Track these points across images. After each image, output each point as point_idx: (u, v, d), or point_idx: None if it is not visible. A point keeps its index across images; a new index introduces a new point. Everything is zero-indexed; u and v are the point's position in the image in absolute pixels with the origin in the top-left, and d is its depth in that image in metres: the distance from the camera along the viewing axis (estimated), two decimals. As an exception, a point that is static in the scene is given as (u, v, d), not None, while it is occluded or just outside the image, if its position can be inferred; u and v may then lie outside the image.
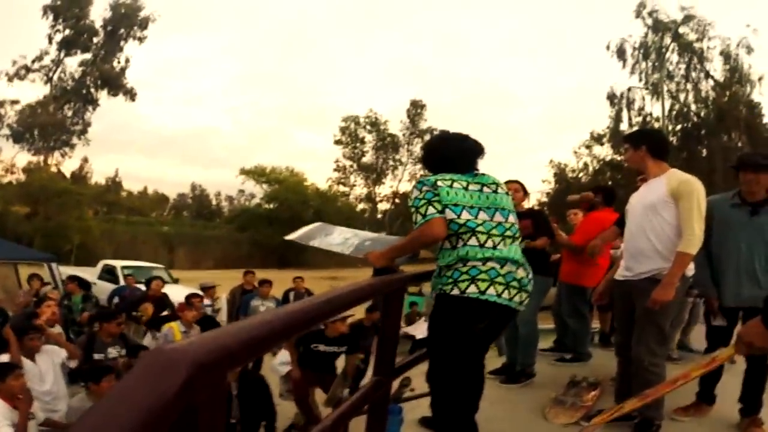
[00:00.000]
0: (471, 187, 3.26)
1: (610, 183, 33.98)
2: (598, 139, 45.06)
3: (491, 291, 3.02)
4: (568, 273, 6.21)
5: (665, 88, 37.02)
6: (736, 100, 38.49)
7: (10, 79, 44.03)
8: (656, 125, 37.48)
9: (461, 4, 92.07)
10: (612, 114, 42.22)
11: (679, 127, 42.07)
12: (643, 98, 41.35)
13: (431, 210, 3.12)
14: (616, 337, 4.82)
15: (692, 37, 39.42)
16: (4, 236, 22.51)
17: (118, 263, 20.67)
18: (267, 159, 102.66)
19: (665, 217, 3.93)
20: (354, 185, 57.32)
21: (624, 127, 41.33)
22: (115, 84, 46.34)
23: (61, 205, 39.27)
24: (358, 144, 55.98)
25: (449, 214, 3.11)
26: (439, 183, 3.19)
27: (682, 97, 41.21)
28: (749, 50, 38.31)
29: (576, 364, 5.97)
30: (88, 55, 45.57)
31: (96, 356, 6.73)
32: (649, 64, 40.40)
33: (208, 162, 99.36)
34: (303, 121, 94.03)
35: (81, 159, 52.82)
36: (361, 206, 57.42)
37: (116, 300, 11.96)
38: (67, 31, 44.15)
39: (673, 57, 40.31)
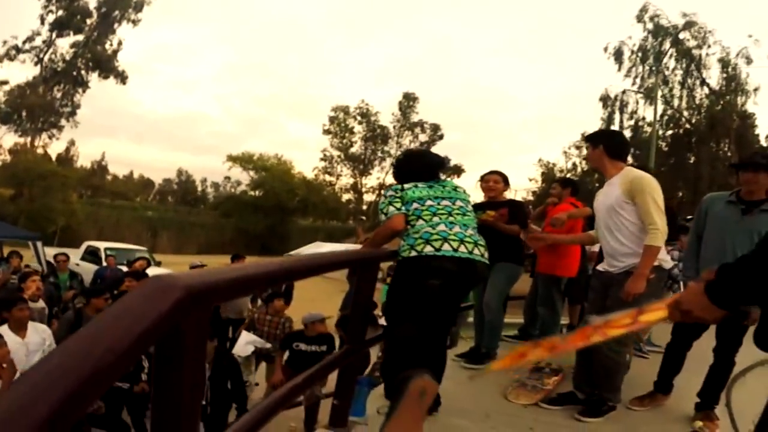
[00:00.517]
0: (433, 187, 3.87)
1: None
2: (589, 141, 45.02)
3: (446, 247, 3.44)
4: (545, 264, 6.40)
5: (659, 93, 37.10)
6: (729, 108, 38.48)
7: (0, 60, 43.66)
8: (648, 129, 37.70)
9: (457, 4, 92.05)
10: (604, 116, 42.32)
11: (670, 132, 42.18)
12: (637, 102, 41.35)
13: (391, 209, 3.72)
14: (583, 321, 4.93)
15: (692, 43, 39.37)
16: (-12, 217, 22.49)
17: (101, 245, 20.78)
18: (256, 147, 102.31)
19: (626, 217, 4.07)
20: (340, 175, 57.46)
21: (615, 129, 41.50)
22: (106, 67, 45.89)
23: (46, 188, 39.08)
24: (346, 134, 55.98)
25: (411, 207, 3.70)
26: (406, 186, 3.84)
27: (676, 102, 41.28)
28: (749, 61, 37.97)
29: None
30: (80, 37, 44.98)
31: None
32: (646, 68, 40.51)
33: (196, 148, 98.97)
34: (294, 111, 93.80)
35: (68, 142, 52.76)
36: (346, 197, 57.50)
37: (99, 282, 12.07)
38: (60, 12, 43.59)
39: (670, 62, 40.41)
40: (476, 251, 3.52)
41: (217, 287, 1.28)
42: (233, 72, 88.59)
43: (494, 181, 5.87)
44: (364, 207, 56.58)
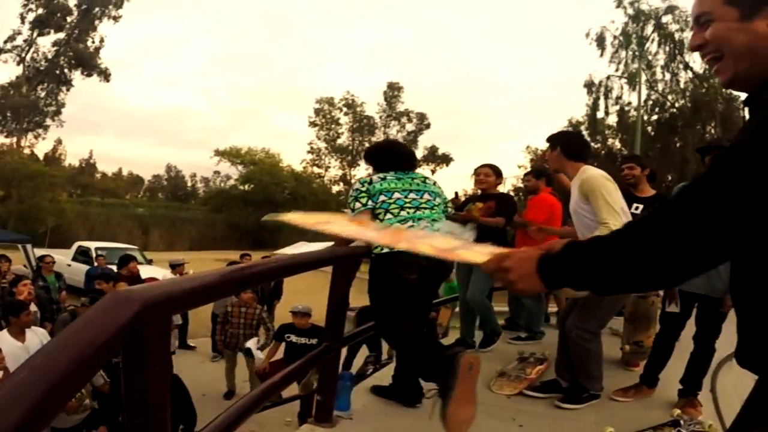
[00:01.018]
0: (402, 179, 3.96)
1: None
2: (576, 126, 45.22)
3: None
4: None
5: (644, 78, 37.09)
6: (713, 92, 38.49)
7: (-18, 61, 43.34)
8: (633, 114, 37.72)
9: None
10: (589, 102, 42.32)
11: (655, 117, 42.15)
12: (622, 87, 41.23)
13: (357, 205, 3.82)
14: (561, 312, 5.04)
15: (674, 27, 39.19)
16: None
17: (92, 245, 20.76)
18: (244, 140, 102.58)
19: (588, 216, 4.11)
20: (329, 167, 57.41)
21: (600, 115, 41.46)
22: (89, 64, 45.48)
23: (34, 188, 38.84)
24: (333, 126, 55.90)
25: (379, 200, 3.79)
26: (374, 178, 3.92)
27: (660, 87, 41.24)
28: (732, 43, 38.08)
29: (530, 342, 6.27)
30: (61, 35, 44.48)
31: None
32: (629, 53, 40.50)
33: (184, 143, 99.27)
34: (280, 103, 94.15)
35: (54, 141, 52.49)
36: (336, 188, 57.49)
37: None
38: (40, 11, 43.10)
39: (653, 47, 40.38)
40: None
41: (172, 298, 1.36)
42: (218, 65, 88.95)
43: (485, 174, 5.96)
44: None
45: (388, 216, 3.71)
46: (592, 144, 39.77)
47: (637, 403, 4.40)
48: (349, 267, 3.61)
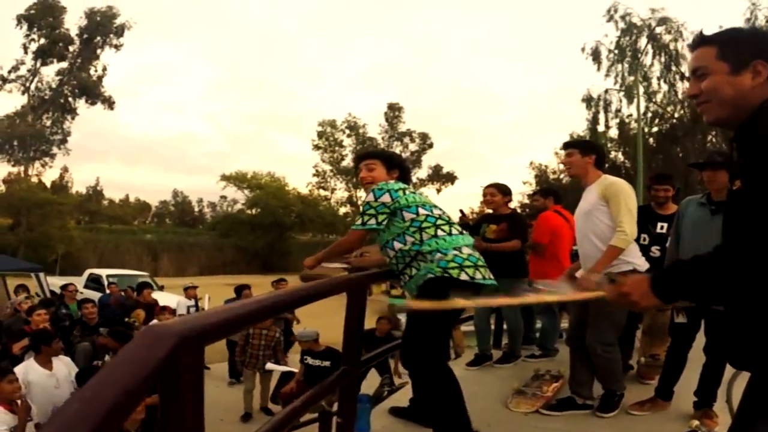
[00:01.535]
0: (414, 193, 3.70)
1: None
2: (577, 140, 45.03)
3: (478, 275, 3.35)
4: (536, 272, 6.48)
5: (641, 90, 37.05)
6: (711, 101, 38.39)
7: (-13, 90, 43.67)
8: (633, 126, 37.66)
9: (439, 8, 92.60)
10: (589, 116, 42.19)
11: (655, 129, 41.98)
12: (620, 100, 41.10)
13: (372, 222, 3.51)
14: (568, 330, 5.04)
15: (668, 38, 39.23)
16: (-12, 248, 22.62)
17: (103, 272, 20.90)
18: (248, 164, 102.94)
19: (602, 219, 4.23)
20: (335, 189, 57.36)
21: (601, 129, 41.15)
22: (92, 93, 45.73)
23: (43, 216, 39.13)
24: (336, 148, 55.94)
25: (407, 215, 3.49)
26: (400, 192, 3.56)
27: (658, 98, 41.23)
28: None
29: (544, 359, 6.28)
30: (64, 64, 44.72)
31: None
32: (625, 66, 40.49)
33: (189, 169, 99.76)
34: (282, 126, 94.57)
35: (61, 169, 52.72)
36: (343, 210, 57.45)
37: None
38: (42, 41, 43.23)
39: (647, 59, 40.34)
40: (488, 276, 3.44)
41: (205, 330, 1.43)
42: (219, 90, 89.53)
43: (490, 194, 6.02)
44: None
45: (440, 232, 3.44)
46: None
47: (654, 416, 4.40)
48: (363, 292, 3.61)
